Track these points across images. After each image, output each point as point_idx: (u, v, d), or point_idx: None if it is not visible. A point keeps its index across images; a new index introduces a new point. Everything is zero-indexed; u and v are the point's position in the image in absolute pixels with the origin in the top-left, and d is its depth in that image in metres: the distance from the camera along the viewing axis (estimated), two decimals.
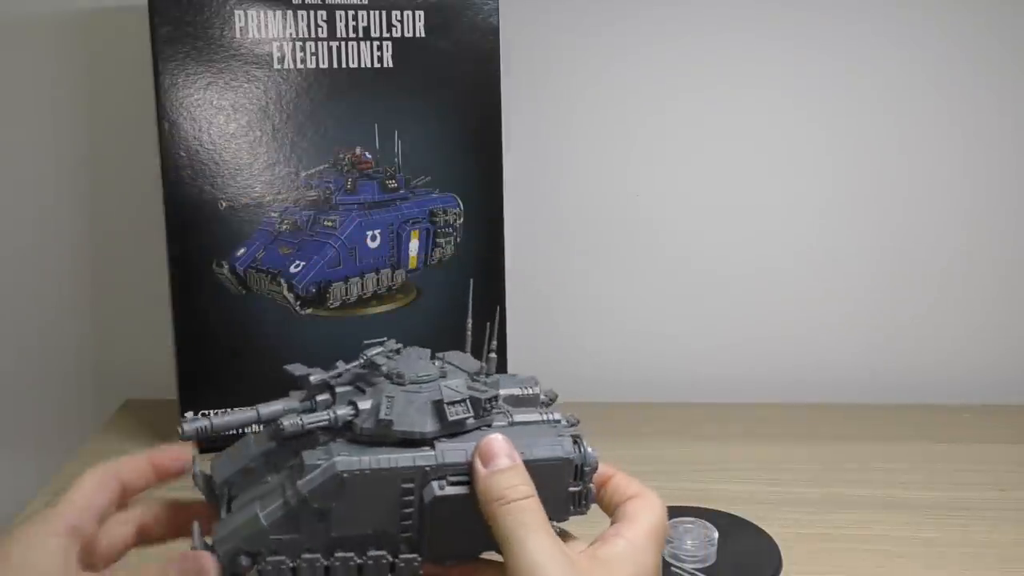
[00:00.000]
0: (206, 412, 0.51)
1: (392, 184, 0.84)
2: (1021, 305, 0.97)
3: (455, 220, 0.86)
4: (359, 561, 0.50)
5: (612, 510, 0.50)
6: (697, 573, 0.61)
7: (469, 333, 0.57)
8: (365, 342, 0.54)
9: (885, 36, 0.92)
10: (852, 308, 0.98)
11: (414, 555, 0.50)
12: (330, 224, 0.83)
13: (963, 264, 0.97)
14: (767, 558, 0.64)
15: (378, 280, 0.86)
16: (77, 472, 0.50)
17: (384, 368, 0.53)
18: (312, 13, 0.80)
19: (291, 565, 0.49)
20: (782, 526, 0.71)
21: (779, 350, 0.99)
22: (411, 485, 0.49)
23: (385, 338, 0.55)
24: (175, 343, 0.83)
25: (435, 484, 0.49)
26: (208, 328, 0.83)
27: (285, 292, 0.83)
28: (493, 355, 0.55)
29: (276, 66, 0.80)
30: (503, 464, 0.48)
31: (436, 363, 0.54)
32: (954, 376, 0.98)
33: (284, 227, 0.83)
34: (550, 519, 0.49)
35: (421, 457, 0.49)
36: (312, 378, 0.53)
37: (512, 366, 0.88)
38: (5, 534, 0.47)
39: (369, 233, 0.84)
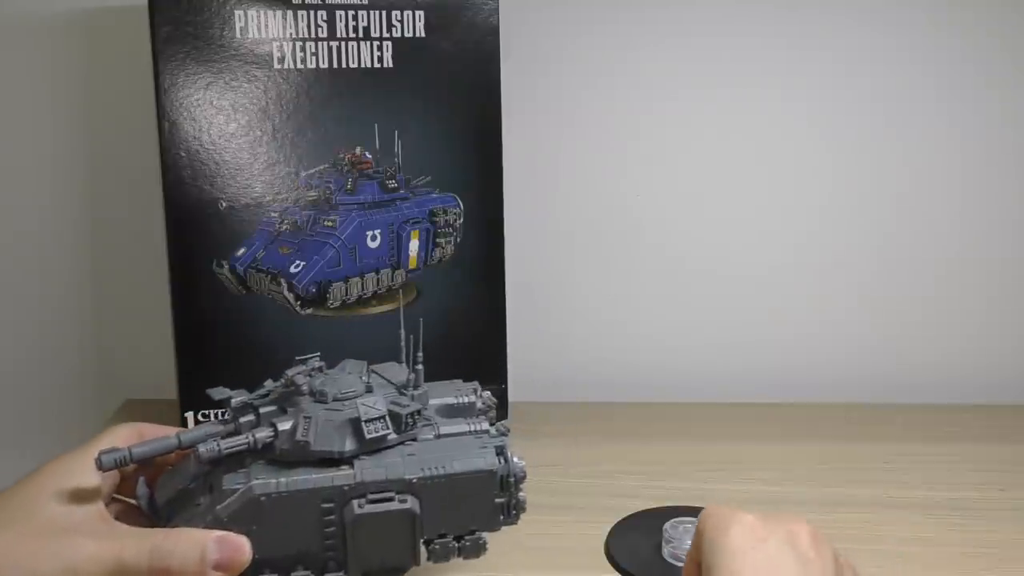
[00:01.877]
0: (126, 443, 0.53)
1: (392, 184, 0.84)
2: (1021, 305, 0.97)
3: (455, 220, 0.86)
4: None
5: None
6: None
7: (403, 344, 0.58)
8: (297, 358, 0.55)
9: (885, 37, 0.92)
10: (852, 308, 0.98)
11: (340, 573, 0.51)
12: (330, 224, 0.83)
13: (963, 264, 0.97)
14: None
15: (378, 280, 0.86)
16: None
17: (305, 387, 0.53)
18: (312, 13, 0.80)
19: None
20: None
21: (779, 350, 0.99)
22: (331, 505, 0.50)
23: (317, 354, 0.55)
24: (175, 343, 0.83)
25: (355, 503, 0.50)
26: (208, 328, 0.83)
27: (285, 292, 0.83)
28: (419, 366, 0.55)
29: (276, 66, 0.80)
30: None
31: (364, 378, 0.55)
32: (954, 376, 0.98)
33: (284, 227, 0.83)
34: (480, 530, 0.52)
35: (339, 477, 0.50)
36: (233, 400, 0.53)
37: (512, 366, 0.88)
38: (42, 466, 0.53)
39: (369, 233, 0.84)
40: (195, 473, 0.54)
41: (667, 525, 0.66)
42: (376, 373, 0.57)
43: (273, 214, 0.82)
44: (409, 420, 0.52)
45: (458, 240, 0.86)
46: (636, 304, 0.98)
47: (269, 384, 0.54)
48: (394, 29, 0.82)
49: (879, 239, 0.96)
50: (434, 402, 0.56)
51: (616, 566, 0.66)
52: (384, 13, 0.81)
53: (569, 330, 1.00)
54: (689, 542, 0.61)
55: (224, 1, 0.79)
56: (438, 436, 0.54)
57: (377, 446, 0.51)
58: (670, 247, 0.97)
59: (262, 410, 0.53)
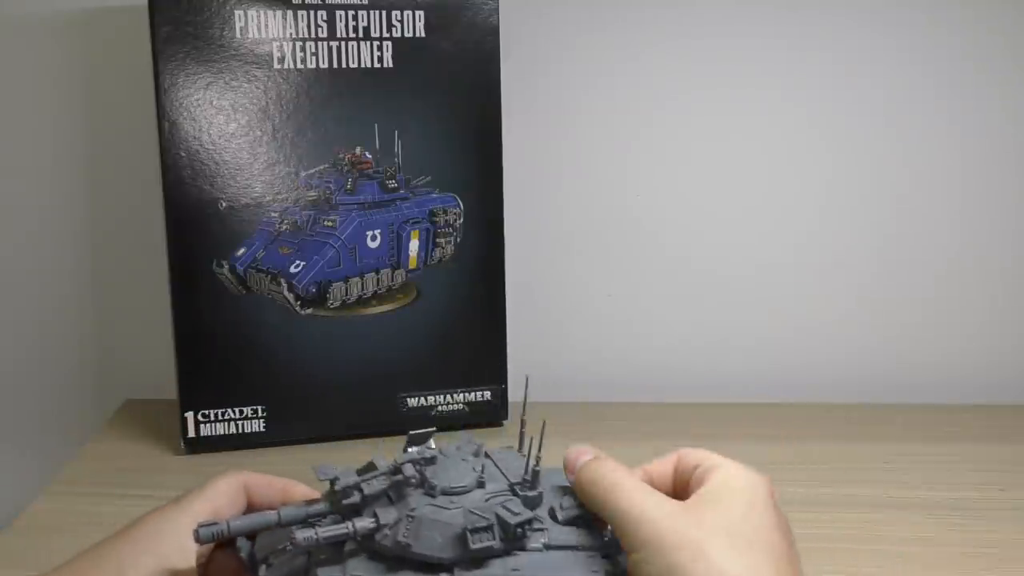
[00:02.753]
0: (219, 523, 0.50)
1: (392, 184, 0.84)
2: (1021, 305, 0.97)
3: (455, 220, 0.86)
4: None
5: (689, 485, 0.49)
6: None
7: (522, 431, 0.55)
8: (410, 433, 0.52)
9: (885, 37, 0.92)
10: (852, 308, 0.98)
11: None
12: (330, 224, 0.83)
13: (963, 264, 0.97)
14: None
15: (378, 280, 0.86)
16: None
17: (414, 479, 0.50)
18: (312, 13, 0.80)
19: None
20: None
21: (779, 350, 0.99)
22: None
23: (433, 429, 0.53)
24: (175, 343, 0.83)
25: None
26: (208, 328, 0.83)
27: (285, 292, 0.83)
28: (538, 467, 0.51)
29: (276, 66, 0.80)
30: (587, 458, 0.49)
31: (478, 469, 0.51)
32: (954, 376, 0.98)
33: (284, 227, 0.83)
34: None
35: None
36: (338, 483, 0.50)
37: (512, 366, 0.88)
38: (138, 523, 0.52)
39: (369, 233, 0.84)
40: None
41: None
42: (491, 459, 0.54)
43: (273, 214, 0.82)
44: (517, 531, 0.48)
45: (458, 240, 0.86)
46: (636, 304, 0.98)
47: (379, 463, 0.51)
48: (394, 29, 0.82)
49: (879, 239, 0.96)
50: (548, 487, 0.52)
51: None
52: (384, 13, 0.81)
53: (569, 330, 1.00)
54: None
55: (224, 1, 0.79)
56: (547, 547, 0.49)
57: (481, 555, 0.48)
58: (670, 247, 0.97)
59: (366, 492, 0.50)
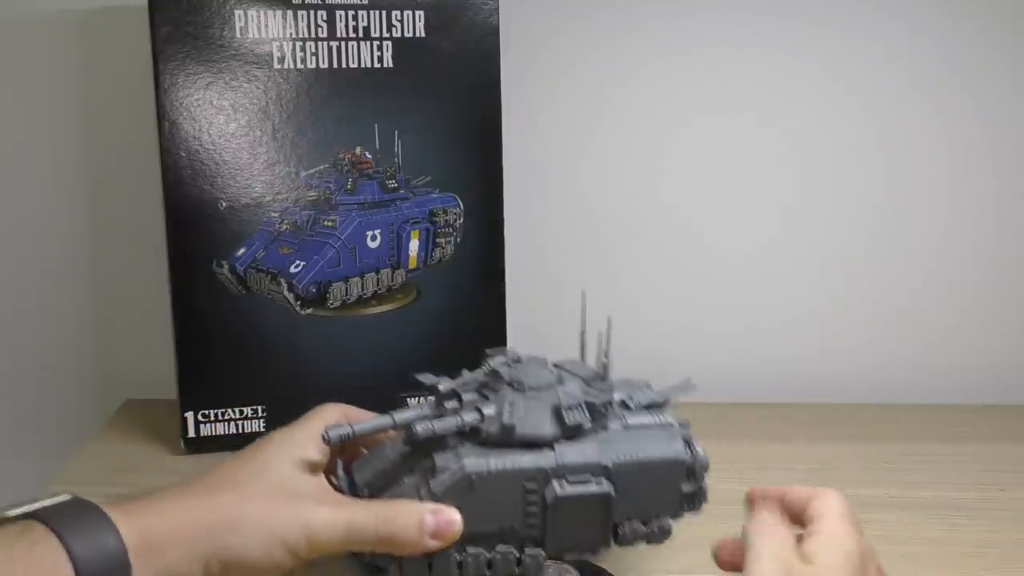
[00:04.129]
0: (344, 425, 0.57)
1: (392, 184, 0.84)
2: (1022, 304, 0.97)
3: (455, 220, 0.86)
4: (489, 556, 0.54)
5: (799, 520, 0.52)
6: None
7: (583, 341, 0.62)
8: (487, 350, 0.59)
9: (883, 38, 0.92)
10: (853, 308, 0.98)
11: (538, 550, 0.55)
12: (330, 224, 0.83)
13: (964, 264, 0.97)
14: None
15: (378, 280, 0.85)
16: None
17: (506, 376, 0.57)
18: (312, 13, 0.80)
19: (428, 561, 0.53)
20: None
21: (780, 350, 0.99)
22: (534, 485, 0.53)
23: (507, 347, 0.59)
24: (175, 343, 0.83)
25: (556, 484, 0.53)
26: (208, 328, 0.83)
27: (285, 292, 0.83)
28: (606, 360, 0.59)
29: (276, 66, 0.80)
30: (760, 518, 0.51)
31: (553, 370, 0.58)
32: (954, 376, 0.98)
33: (284, 227, 0.83)
34: (665, 516, 0.55)
35: (543, 459, 0.54)
36: (441, 386, 0.57)
37: None
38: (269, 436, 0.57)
39: (369, 233, 0.84)
40: (392, 457, 0.57)
41: None
42: (559, 367, 0.60)
43: (273, 214, 0.82)
44: (603, 409, 0.56)
45: (458, 240, 0.86)
46: (636, 304, 0.98)
47: (466, 373, 0.58)
48: (394, 29, 0.82)
49: (881, 239, 0.96)
50: (616, 395, 0.59)
51: None
52: (384, 13, 0.81)
53: (569, 330, 0.99)
54: None
55: (224, 1, 0.79)
56: (626, 427, 0.57)
57: (575, 432, 0.54)
58: (670, 247, 0.97)
59: (465, 396, 0.56)
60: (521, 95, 0.91)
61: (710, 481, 0.60)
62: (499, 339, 0.88)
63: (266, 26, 0.80)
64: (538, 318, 0.97)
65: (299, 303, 0.84)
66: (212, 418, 0.84)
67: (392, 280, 0.86)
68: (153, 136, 0.80)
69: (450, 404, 0.56)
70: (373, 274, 0.85)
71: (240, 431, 0.84)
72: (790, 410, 0.93)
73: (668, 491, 0.56)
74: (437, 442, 0.55)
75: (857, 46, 0.92)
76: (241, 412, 0.84)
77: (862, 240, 0.96)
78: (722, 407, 0.94)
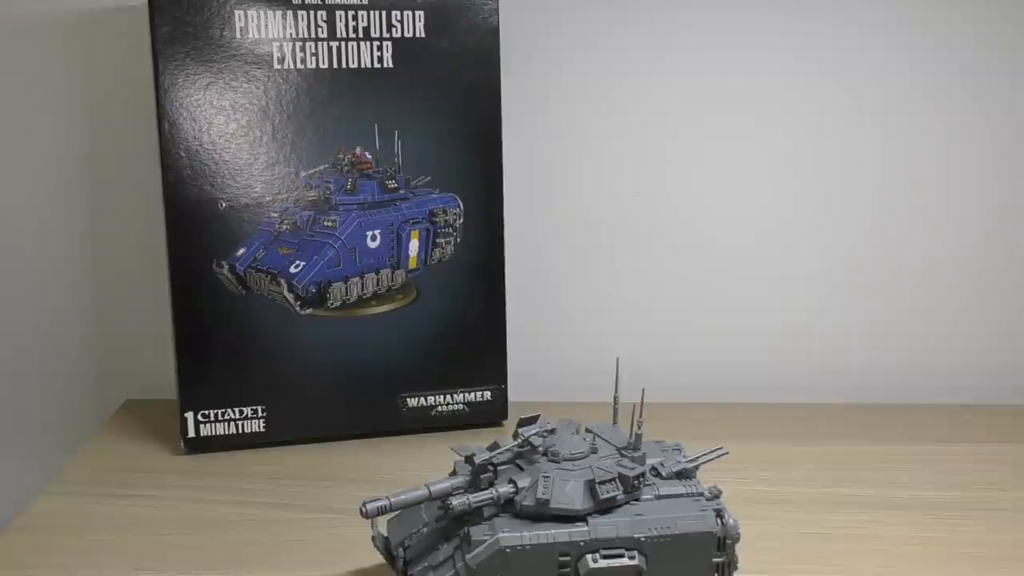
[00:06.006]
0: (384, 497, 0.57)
1: (392, 184, 0.84)
2: (1022, 304, 0.97)
3: (455, 220, 0.86)
4: None
5: None
6: None
7: (615, 407, 0.63)
8: (520, 418, 0.60)
9: (883, 39, 0.92)
10: (852, 308, 0.98)
11: None
12: (330, 224, 0.83)
13: (965, 264, 0.97)
14: None
15: (378, 280, 0.86)
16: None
17: (540, 447, 0.58)
18: (312, 13, 0.80)
19: None
20: (782, 526, 0.71)
21: (780, 350, 0.99)
22: (567, 558, 0.54)
23: (539, 414, 0.60)
24: (175, 343, 0.83)
25: (589, 557, 0.54)
26: (208, 328, 0.83)
27: (285, 292, 0.83)
28: (640, 431, 0.59)
29: (276, 66, 0.80)
30: None
31: (587, 437, 0.60)
32: (953, 376, 0.98)
33: (284, 227, 0.83)
34: None
35: (576, 533, 0.55)
36: (476, 458, 0.58)
37: (512, 366, 0.88)
38: None
39: (369, 233, 0.84)
40: (427, 519, 0.59)
41: None
42: (592, 432, 0.62)
43: (273, 214, 0.82)
44: (636, 482, 0.57)
45: (458, 240, 0.86)
46: (635, 304, 0.98)
47: (502, 443, 0.59)
48: (394, 29, 0.82)
49: (882, 240, 0.96)
50: (649, 462, 0.60)
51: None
52: (384, 13, 0.81)
53: (569, 330, 1.00)
54: None
55: (224, 1, 0.79)
56: (658, 497, 0.58)
57: (608, 505, 0.56)
58: (669, 247, 0.97)
59: (500, 468, 0.58)
60: (521, 95, 0.91)
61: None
62: (499, 339, 0.88)
63: (266, 26, 0.80)
64: (538, 318, 0.97)
65: (299, 303, 0.84)
66: (212, 418, 0.84)
67: (392, 280, 0.86)
68: (153, 136, 0.80)
69: (485, 475, 0.57)
70: (373, 274, 0.85)
71: (240, 431, 0.84)
72: (789, 410, 0.93)
73: (699, 563, 0.56)
74: (472, 512, 0.56)
75: (858, 46, 0.92)
76: (241, 412, 0.84)
77: (862, 240, 0.96)
78: (722, 407, 0.94)
